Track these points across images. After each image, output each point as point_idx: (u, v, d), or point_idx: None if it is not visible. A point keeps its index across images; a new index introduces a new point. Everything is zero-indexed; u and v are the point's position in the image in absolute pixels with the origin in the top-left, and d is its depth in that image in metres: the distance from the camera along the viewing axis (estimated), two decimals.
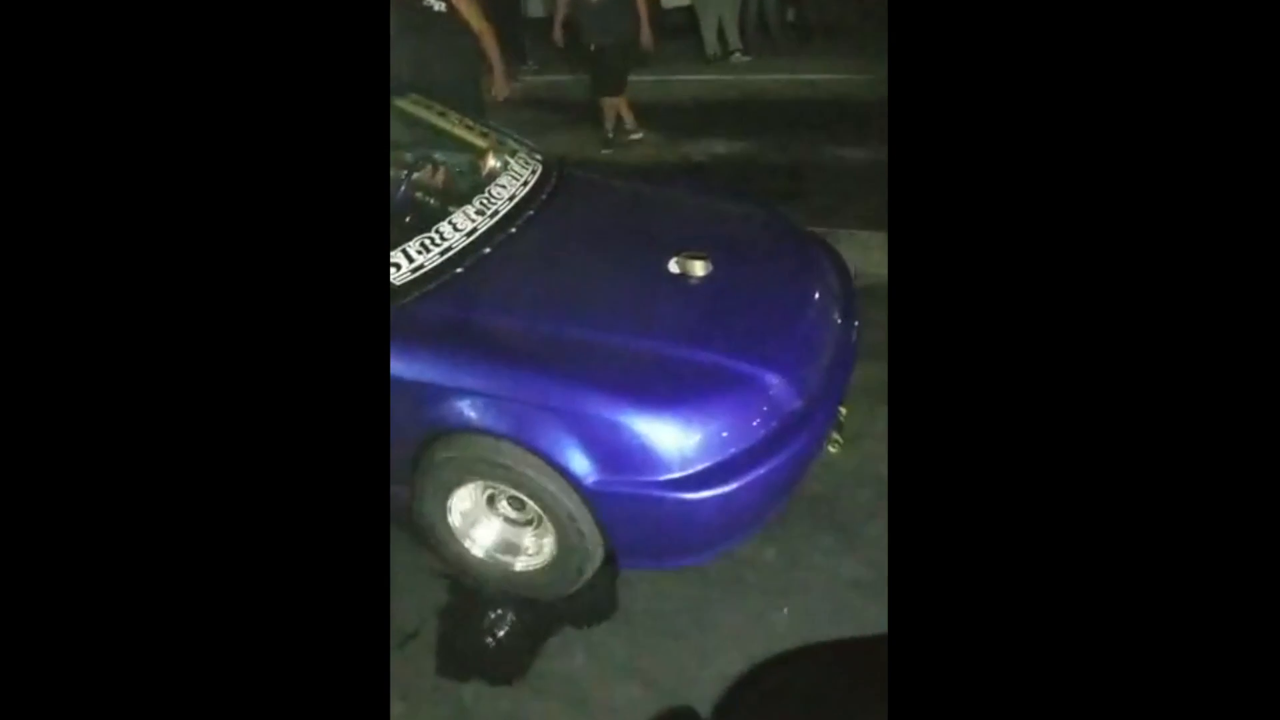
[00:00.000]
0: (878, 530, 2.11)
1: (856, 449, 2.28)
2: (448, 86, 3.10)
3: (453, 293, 1.99)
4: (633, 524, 1.79)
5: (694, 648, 1.91)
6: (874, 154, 4.34)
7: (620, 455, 1.71)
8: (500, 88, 3.81)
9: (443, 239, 2.09)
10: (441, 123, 2.62)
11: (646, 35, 4.94)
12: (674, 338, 1.87)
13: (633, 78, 5.16)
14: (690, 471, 1.71)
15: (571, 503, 1.78)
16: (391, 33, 3.30)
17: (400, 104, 2.61)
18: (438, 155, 2.58)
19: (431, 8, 3.42)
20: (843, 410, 2.06)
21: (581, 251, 2.24)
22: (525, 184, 2.38)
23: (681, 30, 7.02)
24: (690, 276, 2.03)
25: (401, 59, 3.32)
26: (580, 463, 1.72)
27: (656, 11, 5.34)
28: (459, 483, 1.93)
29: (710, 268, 2.03)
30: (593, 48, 4.84)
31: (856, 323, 2.17)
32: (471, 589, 2.11)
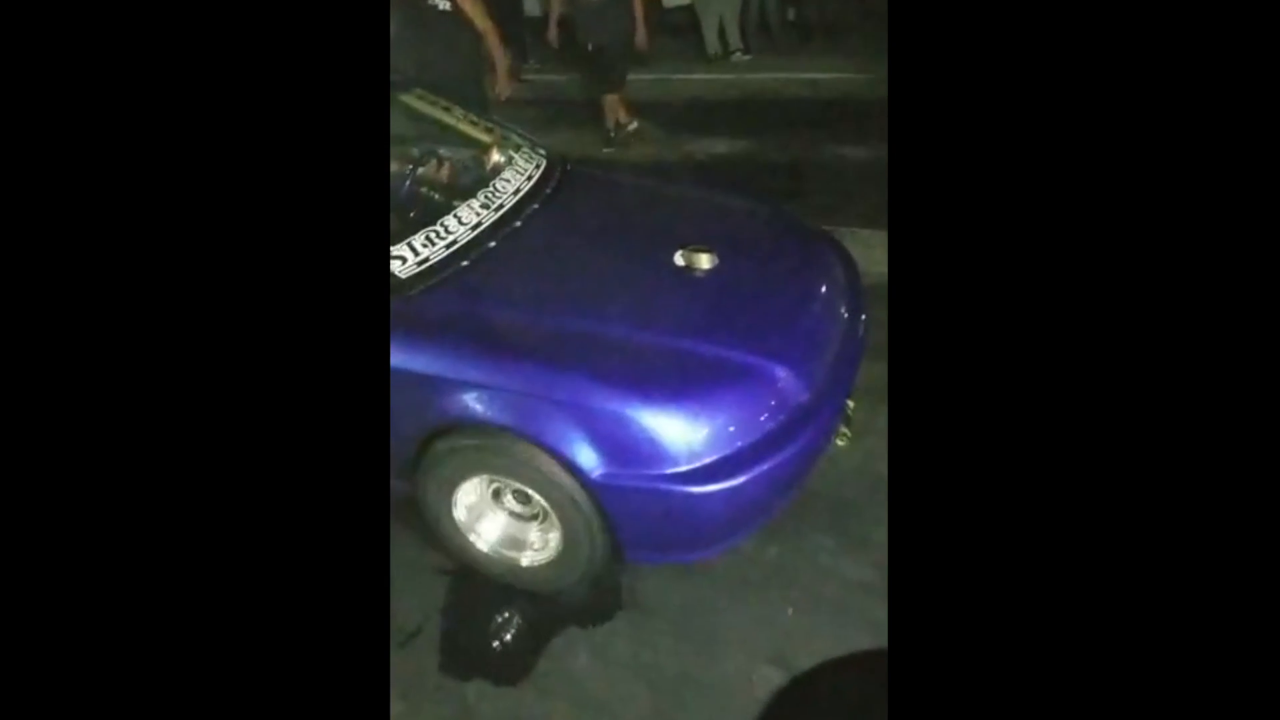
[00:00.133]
0: (881, 530, 2.10)
1: (859, 447, 2.27)
2: (451, 84, 3.10)
3: (458, 286, 1.99)
4: (639, 518, 1.78)
5: (699, 648, 1.91)
6: (875, 153, 4.34)
7: (627, 448, 1.70)
8: (503, 86, 3.82)
9: (448, 232, 2.08)
10: (446, 118, 2.62)
11: (641, 35, 4.95)
12: (681, 331, 1.86)
13: (633, 76, 5.17)
14: (697, 465, 1.70)
15: (578, 496, 1.77)
16: (396, 30, 3.31)
17: (405, 99, 2.60)
18: (442, 150, 2.57)
19: (436, 6, 3.42)
20: (850, 404, 2.05)
21: (586, 245, 2.24)
22: (529, 178, 2.38)
23: (682, 29, 7.03)
24: (696, 270, 2.02)
25: (405, 57, 3.32)
26: (587, 456, 1.71)
27: (652, 11, 5.34)
28: (464, 476, 1.93)
29: (716, 261, 2.02)
30: (590, 47, 4.84)
31: (864, 316, 2.16)
32: (476, 587, 2.10)
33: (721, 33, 6.65)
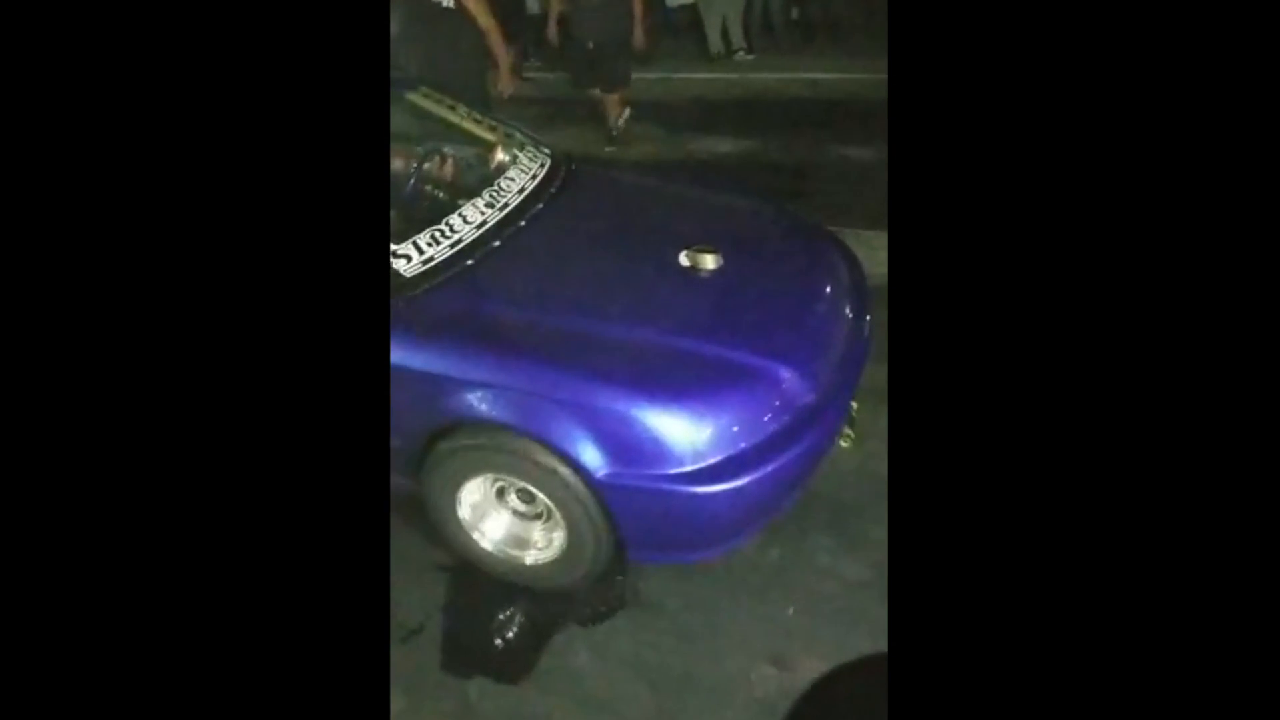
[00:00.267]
0: (881, 530, 2.10)
1: (860, 448, 2.27)
2: (454, 82, 3.10)
3: (463, 285, 1.99)
4: (644, 517, 1.78)
5: (700, 647, 1.91)
6: (878, 154, 4.34)
7: (631, 448, 1.70)
8: (506, 84, 3.81)
9: (453, 231, 2.08)
10: (451, 116, 2.62)
11: (639, 35, 4.94)
12: (685, 331, 1.86)
13: (635, 75, 5.16)
14: (702, 465, 1.70)
15: (582, 496, 1.77)
16: (399, 28, 3.30)
17: (410, 97, 2.60)
18: (447, 148, 2.57)
19: (439, 4, 3.41)
20: (854, 405, 2.05)
21: (591, 245, 2.24)
22: (534, 177, 2.38)
23: (685, 28, 7.02)
24: (701, 270, 2.02)
25: (409, 54, 3.32)
26: (591, 455, 1.71)
27: (651, 9, 5.33)
28: (468, 475, 1.93)
29: (721, 261, 2.02)
30: (590, 45, 4.84)
31: (869, 317, 2.16)
32: (477, 585, 2.10)
33: (725, 32, 6.65)
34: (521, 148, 2.51)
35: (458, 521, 2.01)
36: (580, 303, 1.95)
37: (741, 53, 6.62)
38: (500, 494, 2.02)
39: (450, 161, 2.55)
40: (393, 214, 2.14)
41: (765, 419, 1.76)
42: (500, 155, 2.47)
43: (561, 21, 5.07)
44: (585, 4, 4.73)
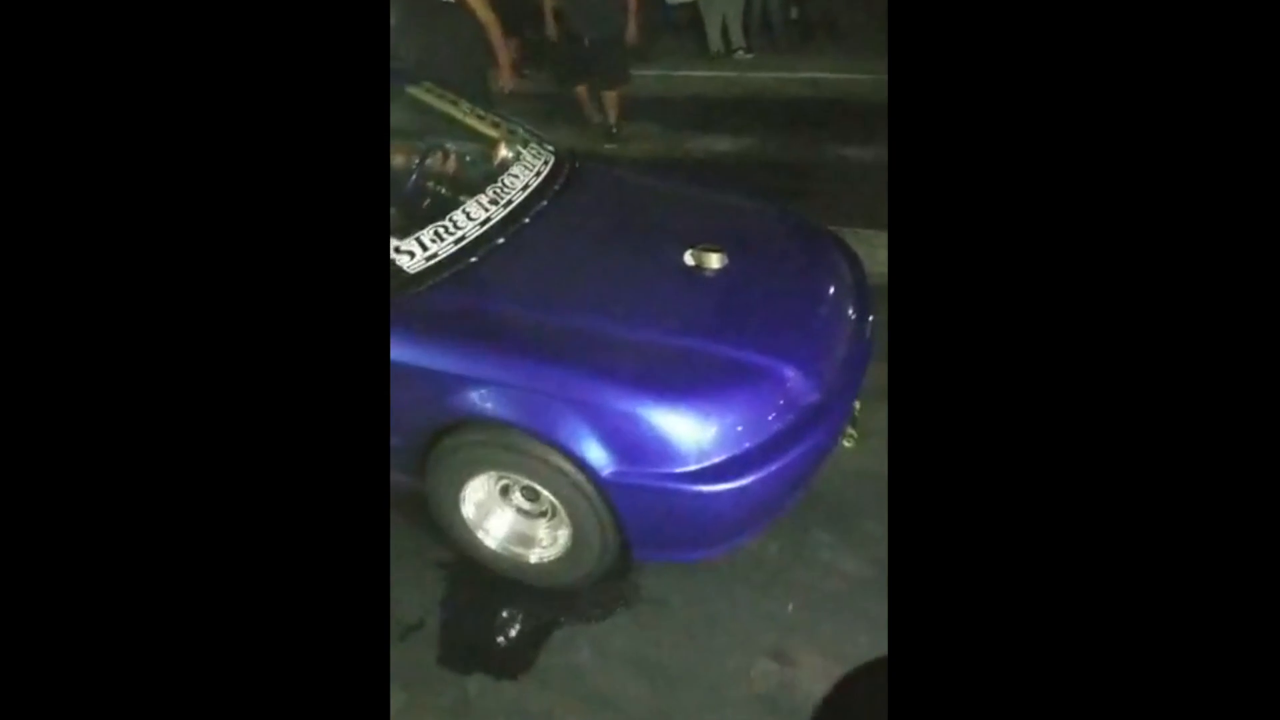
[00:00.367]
0: (880, 527, 2.11)
1: (864, 446, 2.28)
2: (454, 77, 3.09)
3: (467, 282, 1.98)
4: (649, 516, 1.78)
5: (701, 643, 1.92)
6: (877, 153, 4.35)
7: (637, 447, 1.70)
8: (506, 79, 3.80)
9: (456, 227, 2.08)
10: (454, 112, 2.61)
11: (632, 31, 4.94)
12: (690, 330, 1.87)
13: (635, 73, 5.15)
14: (707, 464, 1.70)
15: (587, 494, 1.78)
16: (398, 21, 3.29)
17: (413, 92, 2.59)
18: (449, 144, 2.56)
19: None
20: (857, 404, 2.06)
21: (596, 243, 2.23)
22: (538, 174, 2.37)
23: (685, 26, 7.01)
24: (706, 269, 2.02)
25: (407, 48, 3.31)
26: (596, 454, 1.71)
27: (646, 5, 5.32)
28: (473, 473, 1.93)
29: (726, 260, 2.03)
30: (587, 42, 4.83)
31: (871, 317, 2.17)
32: (476, 581, 2.10)
33: (724, 30, 6.64)
34: (525, 144, 2.51)
35: (462, 520, 2.01)
36: (585, 301, 1.95)
37: (741, 51, 6.61)
38: (505, 492, 2.01)
39: (452, 157, 2.54)
40: (395, 210, 2.14)
41: (770, 418, 1.76)
42: (503, 151, 2.47)
43: (557, 16, 5.06)
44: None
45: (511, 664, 1.91)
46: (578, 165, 2.53)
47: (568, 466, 1.76)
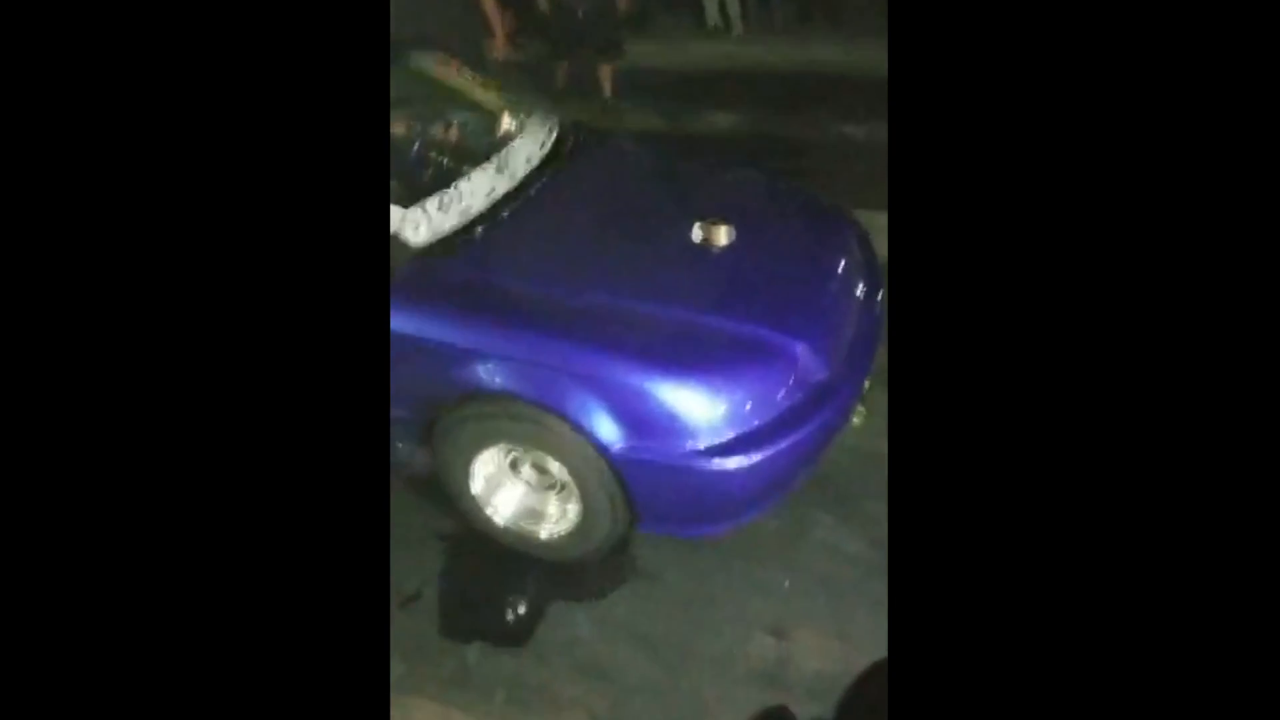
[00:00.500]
0: (879, 507, 2.12)
1: (866, 425, 2.28)
2: (447, 46, 3.03)
3: (473, 254, 1.96)
4: (659, 491, 1.78)
5: (698, 616, 1.93)
6: (875, 132, 4.33)
7: (647, 422, 1.70)
8: (501, 48, 3.75)
9: (461, 199, 2.05)
10: (458, 82, 2.56)
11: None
12: (699, 305, 1.85)
13: (631, 47, 5.09)
14: (717, 440, 1.70)
15: (598, 468, 1.77)
16: None
17: (415, 62, 2.54)
18: (453, 115, 2.51)
19: None
20: (866, 382, 2.05)
21: (601, 216, 2.20)
22: (542, 145, 2.34)
23: (681, 2, 6.94)
24: (714, 244, 2.00)
25: (402, 19, 3.24)
26: (607, 429, 1.71)
27: None
28: (482, 445, 1.91)
29: (734, 234, 2.01)
30: (580, 14, 4.76)
31: (881, 295, 2.16)
32: (476, 553, 2.10)
33: (722, 7, 6.57)
34: (529, 115, 2.46)
35: (471, 494, 2.00)
36: (591, 275, 1.92)
37: (738, 28, 6.55)
38: (514, 466, 2.00)
39: (455, 127, 2.49)
40: (397, 183, 2.10)
41: (779, 395, 1.76)
42: (507, 123, 2.42)
43: None
44: None
45: (510, 635, 1.92)
46: (582, 138, 2.49)
47: (578, 441, 1.75)
